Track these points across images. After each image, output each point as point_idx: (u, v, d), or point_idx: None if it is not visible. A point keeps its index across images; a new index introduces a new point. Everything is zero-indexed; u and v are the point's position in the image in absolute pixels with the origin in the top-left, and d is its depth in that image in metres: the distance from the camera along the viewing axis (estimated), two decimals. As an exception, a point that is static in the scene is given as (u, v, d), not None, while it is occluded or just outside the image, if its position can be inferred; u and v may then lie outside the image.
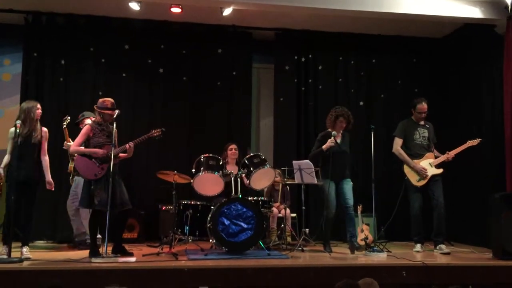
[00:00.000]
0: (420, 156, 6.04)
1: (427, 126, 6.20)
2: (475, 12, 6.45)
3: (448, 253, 5.68)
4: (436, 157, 6.03)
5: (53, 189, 5.36)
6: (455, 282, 3.67)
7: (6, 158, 5.16)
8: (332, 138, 5.65)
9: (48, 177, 5.20)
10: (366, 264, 4.94)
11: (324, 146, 5.68)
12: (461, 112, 7.13)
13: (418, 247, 5.90)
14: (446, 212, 5.93)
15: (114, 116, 5.10)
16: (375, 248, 5.63)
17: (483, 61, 6.83)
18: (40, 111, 5.17)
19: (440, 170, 5.96)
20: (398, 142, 6.17)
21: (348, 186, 5.80)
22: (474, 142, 5.90)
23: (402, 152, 6.10)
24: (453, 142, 6.20)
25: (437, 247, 5.84)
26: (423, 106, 6.12)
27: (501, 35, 6.42)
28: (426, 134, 6.14)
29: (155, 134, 5.35)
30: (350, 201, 5.76)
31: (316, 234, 6.44)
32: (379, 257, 5.32)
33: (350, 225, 5.77)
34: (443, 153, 6.03)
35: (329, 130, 5.84)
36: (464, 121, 7.02)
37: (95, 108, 5.26)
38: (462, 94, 7.18)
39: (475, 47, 6.95)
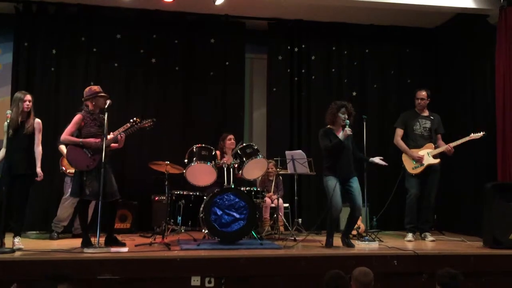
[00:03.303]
0: (419, 146, 6.08)
1: (431, 117, 6.20)
2: (468, 2, 6.44)
3: (433, 241, 5.82)
4: (437, 148, 6.05)
5: (39, 180, 5.16)
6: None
7: (2, 152, 5.05)
8: (348, 127, 5.27)
9: (38, 167, 5.11)
10: (357, 253, 4.98)
11: (342, 136, 5.28)
12: (454, 102, 7.15)
13: (409, 236, 5.96)
14: (435, 203, 6.00)
15: (106, 106, 5.04)
16: (366, 237, 5.67)
17: (475, 51, 6.83)
18: (29, 102, 4.98)
19: (437, 160, 5.99)
20: (398, 133, 6.22)
21: (357, 185, 5.38)
22: (477, 135, 5.85)
23: (401, 142, 6.15)
24: (446, 133, 6.24)
25: (422, 235, 6.01)
26: (420, 93, 6.18)
27: (493, 25, 6.43)
28: (428, 125, 6.15)
29: (147, 125, 5.32)
30: (360, 201, 5.36)
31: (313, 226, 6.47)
32: (371, 247, 5.35)
33: (352, 225, 5.50)
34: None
35: (329, 126, 5.47)
36: (457, 111, 7.04)
37: (85, 98, 5.18)
38: (455, 84, 7.20)
39: (467, 37, 6.96)
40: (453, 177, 6.85)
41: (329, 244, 5.28)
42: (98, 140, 5.01)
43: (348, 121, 5.37)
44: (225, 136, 6.35)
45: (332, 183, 5.29)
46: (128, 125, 5.24)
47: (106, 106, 5.04)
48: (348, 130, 5.29)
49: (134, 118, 5.28)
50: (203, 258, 4.56)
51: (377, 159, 5.53)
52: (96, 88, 5.22)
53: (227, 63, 7.40)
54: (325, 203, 5.52)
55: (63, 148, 5.70)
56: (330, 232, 5.38)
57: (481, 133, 5.86)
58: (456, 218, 6.81)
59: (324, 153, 5.42)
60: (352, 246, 5.27)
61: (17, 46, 6.82)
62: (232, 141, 6.30)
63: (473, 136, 5.88)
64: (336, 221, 5.54)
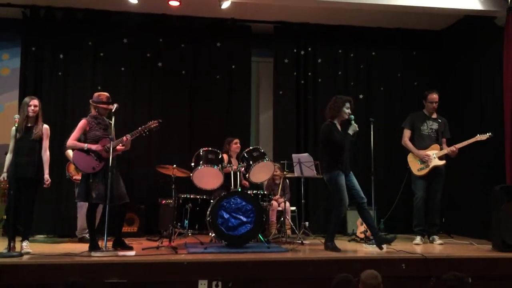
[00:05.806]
0: (426, 146, 6.04)
1: (440, 120, 6.17)
2: (475, 4, 6.42)
3: (441, 244, 5.78)
4: (441, 150, 6.01)
5: (46, 186, 5.17)
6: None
7: (8, 158, 5.06)
8: (354, 122, 5.32)
9: (46, 173, 5.12)
10: (365, 257, 4.95)
11: (351, 131, 5.30)
12: (461, 104, 7.11)
13: (418, 239, 5.92)
14: (443, 206, 5.94)
15: (113, 110, 5.07)
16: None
17: (483, 53, 6.80)
18: (34, 107, 5.02)
19: (442, 162, 5.94)
20: (405, 134, 6.18)
21: (355, 180, 5.41)
22: (483, 136, 5.78)
23: (408, 143, 6.12)
24: (453, 135, 6.20)
25: (430, 238, 5.98)
26: (434, 96, 6.13)
27: (501, 27, 6.39)
28: (435, 127, 6.12)
29: (153, 126, 5.31)
30: (363, 194, 5.36)
31: (313, 226, 6.45)
32: (379, 250, 5.32)
33: (371, 219, 5.45)
34: None
35: (330, 121, 5.41)
36: (464, 114, 7.01)
37: (91, 102, 5.24)
38: (462, 86, 7.16)
39: (475, 39, 6.92)
40: (461, 179, 6.81)
41: (332, 247, 5.20)
42: (101, 148, 5.03)
43: (352, 116, 5.37)
44: (230, 140, 6.35)
45: (342, 178, 5.25)
46: (139, 129, 5.26)
47: (113, 110, 5.07)
48: (356, 125, 5.32)
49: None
50: (210, 261, 4.56)
51: None
52: (104, 97, 5.20)
53: (233, 66, 7.41)
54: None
55: (70, 154, 5.70)
56: (334, 232, 5.32)
57: (487, 134, 5.79)
58: (465, 221, 6.76)
59: (331, 148, 5.32)
60: (386, 239, 5.24)
61: (25, 51, 6.86)
62: (238, 145, 6.32)
63: (479, 137, 5.80)
64: (342, 220, 5.42)
